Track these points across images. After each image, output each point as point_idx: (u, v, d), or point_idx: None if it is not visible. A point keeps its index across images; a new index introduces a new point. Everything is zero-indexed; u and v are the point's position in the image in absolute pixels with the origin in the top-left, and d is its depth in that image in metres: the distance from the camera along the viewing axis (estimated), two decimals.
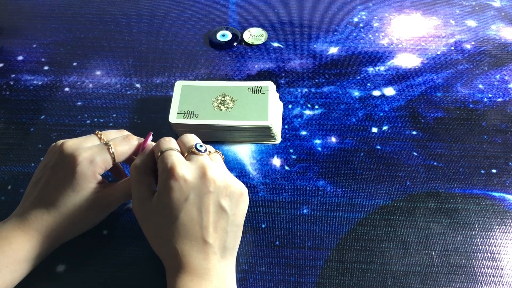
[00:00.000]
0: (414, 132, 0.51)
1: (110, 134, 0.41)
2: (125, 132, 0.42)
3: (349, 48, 0.62)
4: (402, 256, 0.42)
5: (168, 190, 0.35)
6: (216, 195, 0.35)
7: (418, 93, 0.55)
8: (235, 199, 0.37)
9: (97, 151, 0.38)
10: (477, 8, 0.67)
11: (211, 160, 0.38)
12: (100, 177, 0.39)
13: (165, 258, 0.36)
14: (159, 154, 0.37)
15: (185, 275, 0.33)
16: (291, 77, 0.58)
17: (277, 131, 0.50)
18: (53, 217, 0.37)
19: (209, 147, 0.40)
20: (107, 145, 0.39)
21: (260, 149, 0.50)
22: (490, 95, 0.55)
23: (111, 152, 0.38)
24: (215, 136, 0.50)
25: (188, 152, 0.38)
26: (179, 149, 0.38)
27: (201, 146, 0.38)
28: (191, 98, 0.49)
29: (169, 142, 0.39)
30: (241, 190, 0.38)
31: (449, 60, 0.59)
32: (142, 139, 0.41)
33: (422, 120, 0.52)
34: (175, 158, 0.36)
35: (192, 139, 0.40)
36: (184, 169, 0.35)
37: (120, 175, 0.45)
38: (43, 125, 0.53)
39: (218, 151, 0.40)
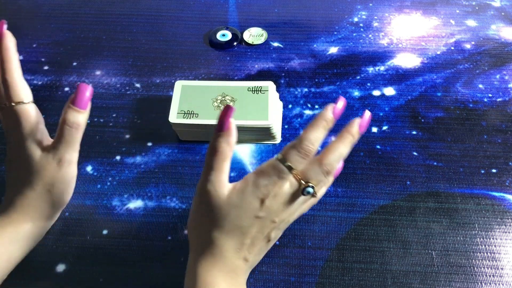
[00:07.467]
0: (414, 132, 0.51)
1: None
2: None
3: (349, 48, 0.61)
4: (402, 256, 0.42)
5: (255, 200, 0.34)
6: (275, 229, 0.36)
7: (418, 93, 0.55)
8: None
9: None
10: (477, 8, 0.67)
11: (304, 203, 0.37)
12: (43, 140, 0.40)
13: (200, 244, 0.35)
14: (281, 155, 0.34)
15: (214, 267, 0.34)
16: (291, 77, 0.58)
17: (277, 131, 0.50)
18: (32, 198, 0.39)
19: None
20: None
21: (260, 149, 0.50)
22: (490, 95, 0.55)
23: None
24: None
25: (302, 184, 0.35)
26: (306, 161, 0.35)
27: (312, 188, 0.34)
28: (191, 98, 0.49)
29: (304, 155, 0.34)
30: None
31: (449, 60, 0.59)
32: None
33: (422, 120, 0.52)
34: (289, 187, 0.34)
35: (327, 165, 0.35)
36: (285, 197, 0.34)
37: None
38: None
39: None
